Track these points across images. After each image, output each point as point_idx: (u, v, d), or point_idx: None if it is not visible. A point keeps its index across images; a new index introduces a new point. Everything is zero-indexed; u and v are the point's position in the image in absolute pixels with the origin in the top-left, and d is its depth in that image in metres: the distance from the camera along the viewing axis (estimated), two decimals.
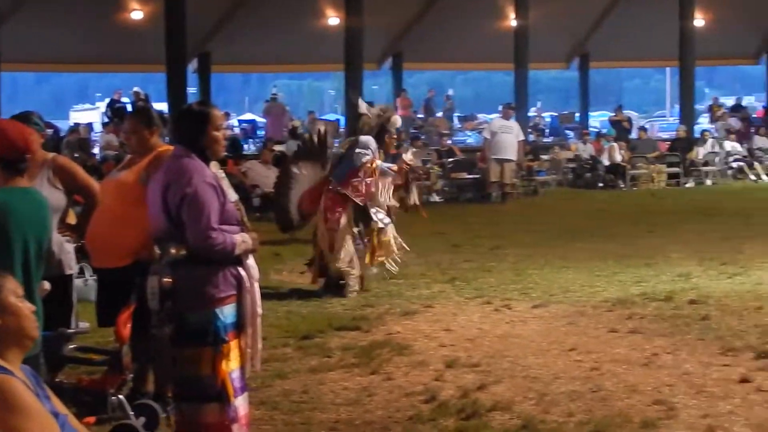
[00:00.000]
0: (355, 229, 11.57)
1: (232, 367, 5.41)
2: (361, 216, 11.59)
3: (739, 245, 14.62)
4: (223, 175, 5.64)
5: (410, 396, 7.41)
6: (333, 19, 31.67)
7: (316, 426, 6.80)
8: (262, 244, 5.85)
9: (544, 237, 16.20)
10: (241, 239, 5.44)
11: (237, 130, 36.84)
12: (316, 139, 12.22)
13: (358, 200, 11.46)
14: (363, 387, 7.68)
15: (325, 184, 11.68)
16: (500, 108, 25.12)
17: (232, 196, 5.57)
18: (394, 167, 11.88)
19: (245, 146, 32.79)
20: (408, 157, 12.28)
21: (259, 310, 5.56)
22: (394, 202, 11.99)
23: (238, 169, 21.51)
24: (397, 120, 12.20)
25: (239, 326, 5.46)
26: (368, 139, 11.59)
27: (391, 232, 11.71)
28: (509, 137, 22.75)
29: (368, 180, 11.51)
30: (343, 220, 11.42)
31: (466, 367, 8.13)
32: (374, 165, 11.50)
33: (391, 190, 11.92)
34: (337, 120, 36.64)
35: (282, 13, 31.26)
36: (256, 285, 5.54)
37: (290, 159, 12.96)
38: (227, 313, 5.39)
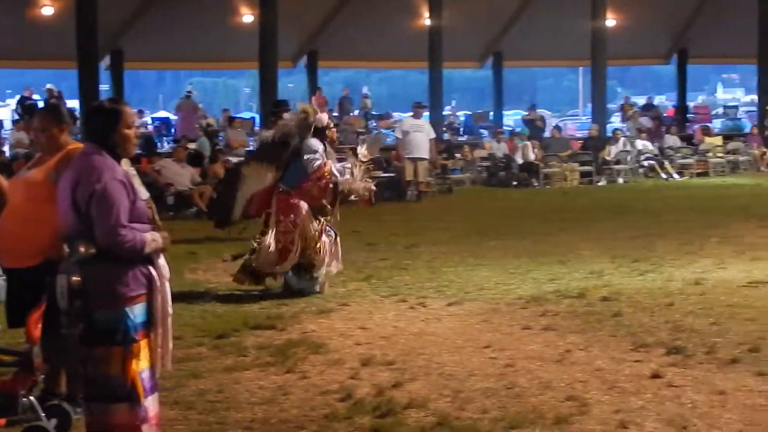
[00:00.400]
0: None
1: (142, 366, 5.36)
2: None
3: (650, 243, 14.83)
4: (135, 172, 5.58)
5: (325, 394, 7.40)
6: (248, 16, 31.51)
7: (231, 425, 6.75)
8: (177, 243, 5.82)
9: (459, 235, 16.28)
10: (152, 238, 5.38)
11: (151, 128, 36.52)
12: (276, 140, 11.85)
13: (306, 204, 11.30)
14: (278, 386, 7.65)
15: (275, 187, 11.48)
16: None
17: (144, 194, 5.51)
18: (349, 165, 11.69)
19: (159, 144, 32.51)
20: (362, 152, 11.94)
21: (170, 310, 5.51)
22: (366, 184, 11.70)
23: (151, 167, 21.29)
24: (323, 116, 11.88)
25: (149, 325, 5.41)
26: (313, 143, 11.31)
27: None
28: (421, 136, 22.91)
29: (321, 183, 11.35)
30: (300, 221, 11.21)
31: (382, 365, 8.14)
32: (327, 168, 11.32)
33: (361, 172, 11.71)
34: (252, 118, 36.51)
35: (196, 10, 31.02)
36: (167, 284, 5.49)
37: (243, 159, 12.64)
38: (137, 312, 5.34)
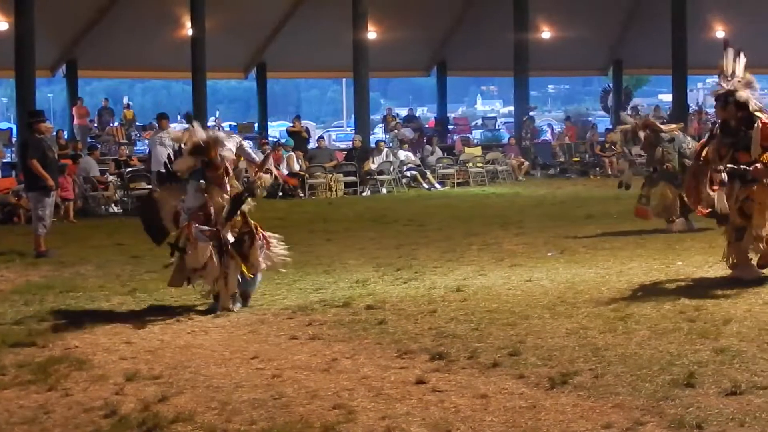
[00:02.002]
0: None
1: None
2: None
3: (413, 251, 15.12)
4: None
5: (89, 412, 7.24)
6: (2, 23, 30.50)
7: None
8: None
9: None
10: None
11: None
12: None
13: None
14: (40, 404, 7.44)
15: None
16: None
17: None
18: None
19: None
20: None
21: None
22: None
23: None
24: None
25: None
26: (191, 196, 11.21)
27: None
28: (161, 150, 22.34)
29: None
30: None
31: (148, 380, 8.04)
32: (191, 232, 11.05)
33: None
34: (9, 129, 35.42)
35: None
36: None
37: (153, 186, 12.24)
38: None
